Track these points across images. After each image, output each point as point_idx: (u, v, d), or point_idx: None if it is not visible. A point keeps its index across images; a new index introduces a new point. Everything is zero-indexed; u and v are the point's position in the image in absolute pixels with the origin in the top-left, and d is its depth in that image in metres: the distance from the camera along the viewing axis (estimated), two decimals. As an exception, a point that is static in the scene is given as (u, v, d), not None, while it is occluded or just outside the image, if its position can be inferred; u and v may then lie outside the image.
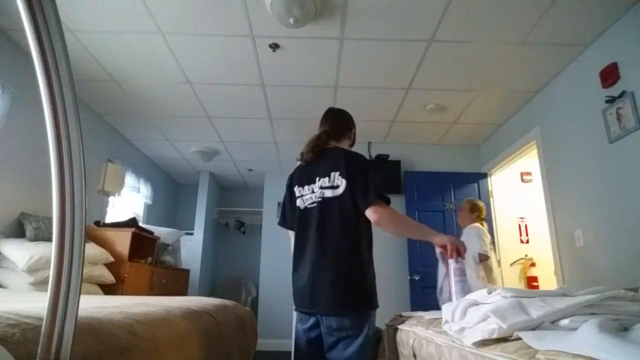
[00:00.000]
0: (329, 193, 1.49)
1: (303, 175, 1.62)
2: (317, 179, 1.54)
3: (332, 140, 1.66)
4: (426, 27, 2.44)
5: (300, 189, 1.61)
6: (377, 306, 1.46)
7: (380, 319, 1.73)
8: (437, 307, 1.97)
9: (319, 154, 1.60)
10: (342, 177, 1.47)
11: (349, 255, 1.42)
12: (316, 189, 1.54)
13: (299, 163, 1.72)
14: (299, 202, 1.60)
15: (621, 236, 2.30)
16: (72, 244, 0.48)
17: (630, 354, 0.64)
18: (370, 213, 1.42)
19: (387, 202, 1.45)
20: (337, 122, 1.73)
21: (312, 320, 1.48)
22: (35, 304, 0.78)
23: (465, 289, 1.46)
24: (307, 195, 1.57)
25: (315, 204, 1.52)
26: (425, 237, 1.50)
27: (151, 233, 3.60)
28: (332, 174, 1.50)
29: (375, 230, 1.55)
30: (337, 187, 1.47)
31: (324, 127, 1.70)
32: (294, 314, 2.85)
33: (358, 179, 1.45)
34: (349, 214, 1.45)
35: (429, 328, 1.51)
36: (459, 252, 1.46)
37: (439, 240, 1.48)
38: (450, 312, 1.26)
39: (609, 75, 2.36)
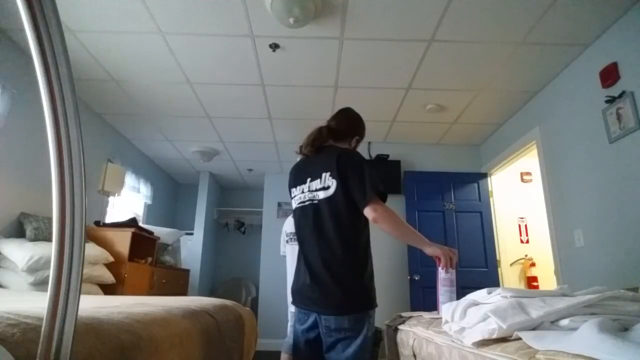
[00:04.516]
0: (321, 194, 1.48)
1: (297, 177, 1.63)
2: (309, 180, 1.54)
3: (331, 138, 1.63)
4: (426, 27, 2.44)
5: (294, 189, 1.62)
6: (375, 306, 1.45)
7: (380, 319, 1.73)
8: (437, 307, 1.97)
9: (318, 149, 1.59)
10: (332, 178, 1.46)
11: (345, 255, 1.41)
12: (306, 190, 1.54)
13: (297, 159, 1.72)
14: (293, 203, 1.62)
15: (621, 236, 2.30)
16: (72, 244, 0.48)
17: (630, 354, 0.64)
18: (368, 211, 1.41)
19: (384, 197, 1.44)
20: (345, 122, 1.69)
21: (311, 319, 1.47)
22: (35, 304, 0.78)
23: (453, 300, 1.46)
24: (298, 196, 1.58)
25: (307, 204, 1.52)
26: (419, 244, 1.48)
27: (151, 233, 3.60)
28: (323, 174, 1.49)
29: (375, 230, 1.55)
30: (328, 187, 1.46)
31: (330, 122, 1.68)
32: (288, 311, 2.86)
33: (353, 177, 1.43)
34: (342, 213, 1.44)
35: (429, 328, 1.51)
36: (452, 263, 1.46)
37: (431, 250, 1.47)
38: (450, 312, 1.26)
39: (609, 75, 2.36)
